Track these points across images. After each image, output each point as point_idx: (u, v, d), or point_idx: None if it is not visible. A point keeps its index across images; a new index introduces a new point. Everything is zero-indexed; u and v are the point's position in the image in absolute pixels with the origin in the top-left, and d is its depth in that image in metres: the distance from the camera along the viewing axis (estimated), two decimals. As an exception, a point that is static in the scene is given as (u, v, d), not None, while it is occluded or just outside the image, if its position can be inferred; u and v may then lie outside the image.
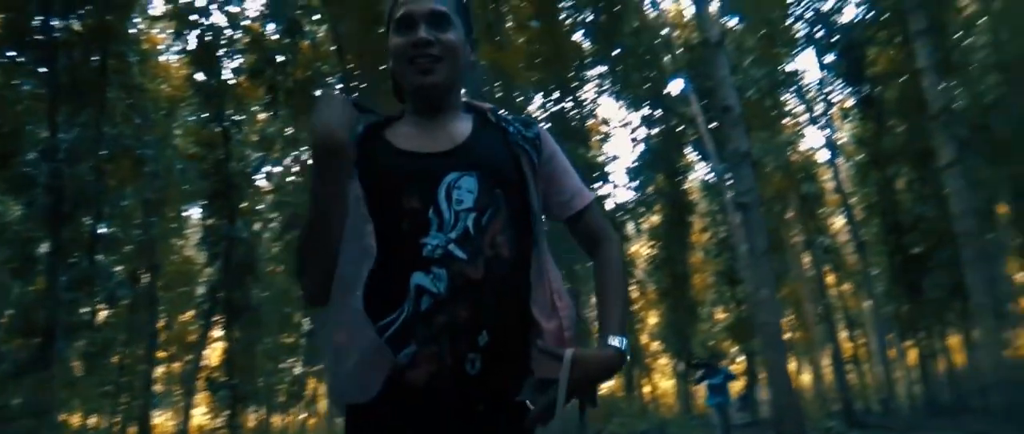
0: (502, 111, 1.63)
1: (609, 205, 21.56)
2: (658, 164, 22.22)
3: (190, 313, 24.32)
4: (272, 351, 23.94)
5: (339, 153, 1.35)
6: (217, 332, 18.59)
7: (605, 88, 21.00)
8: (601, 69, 20.16)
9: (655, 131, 22.99)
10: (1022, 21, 14.85)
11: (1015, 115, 17.70)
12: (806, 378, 35.49)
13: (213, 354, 21.43)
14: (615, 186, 21.51)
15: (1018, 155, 17.55)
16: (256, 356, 20.31)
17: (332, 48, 15.89)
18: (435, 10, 1.50)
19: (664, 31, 20.12)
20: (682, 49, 18.91)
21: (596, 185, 20.92)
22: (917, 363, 23.85)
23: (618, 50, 18.67)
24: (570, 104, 18.87)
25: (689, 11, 20.89)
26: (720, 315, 27.36)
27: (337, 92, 1.41)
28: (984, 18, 19.25)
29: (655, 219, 24.33)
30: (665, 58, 20.70)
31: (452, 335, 1.33)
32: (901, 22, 18.00)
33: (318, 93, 1.41)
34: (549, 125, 18.32)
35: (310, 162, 1.42)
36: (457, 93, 1.58)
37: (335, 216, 1.39)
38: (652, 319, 29.45)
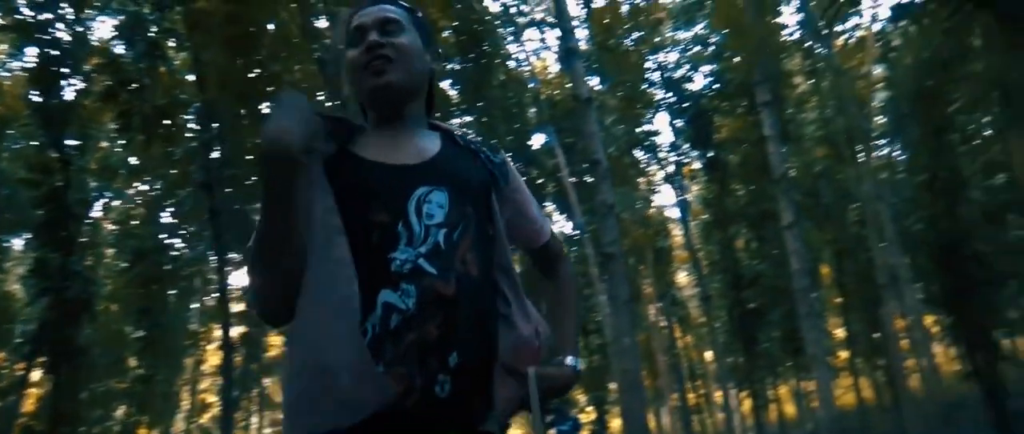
0: (470, 134, 1.64)
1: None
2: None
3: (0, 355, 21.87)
4: (101, 397, 21.92)
5: (287, 160, 1.24)
6: (38, 375, 16.83)
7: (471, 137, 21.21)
8: (467, 119, 20.41)
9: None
10: (845, 100, 16.60)
11: (837, 185, 19.66)
12: (653, 423, 36.84)
13: (30, 399, 19.33)
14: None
15: (839, 221, 19.42)
16: (82, 403, 18.51)
17: (190, 77, 15.21)
18: (385, 16, 1.50)
19: (530, 85, 20.81)
20: (547, 104, 19.53)
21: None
22: (751, 412, 25.36)
23: (483, 102, 19.03)
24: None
25: (554, 68, 21.77)
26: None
27: (296, 95, 1.33)
28: (814, 96, 21.35)
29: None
30: (530, 112, 21.36)
31: (421, 354, 1.28)
32: (745, 94, 19.66)
33: (279, 94, 1.32)
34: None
35: (259, 170, 1.38)
36: (419, 103, 1.56)
37: (285, 230, 1.30)
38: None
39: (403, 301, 1.29)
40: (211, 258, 16.25)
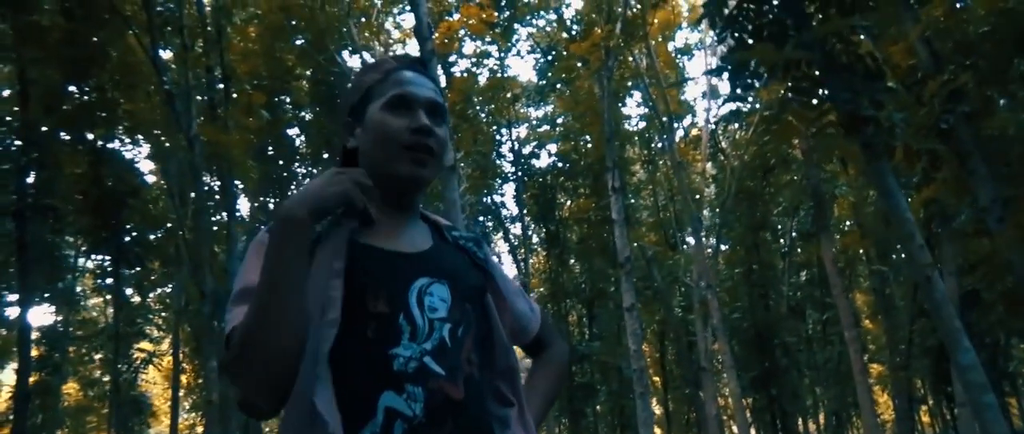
0: (456, 230, 1.52)
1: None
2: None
3: None
4: None
5: (295, 223, 1.15)
6: None
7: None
8: (314, 170, 19.85)
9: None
10: (677, 191, 17.85)
11: (666, 270, 20.87)
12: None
13: None
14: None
15: (666, 304, 20.54)
16: None
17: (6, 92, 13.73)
18: (436, 101, 1.37)
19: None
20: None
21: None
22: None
23: (330, 154, 18.63)
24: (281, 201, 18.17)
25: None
26: None
27: (352, 175, 1.22)
28: (649, 185, 22.73)
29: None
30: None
31: None
32: (588, 175, 20.60)
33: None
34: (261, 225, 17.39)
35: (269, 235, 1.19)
36: (423, 195, 1.46)
37: (286, 302, 1.13)
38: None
39: (409, 406, 1.14)
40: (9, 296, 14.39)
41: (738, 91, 4.78)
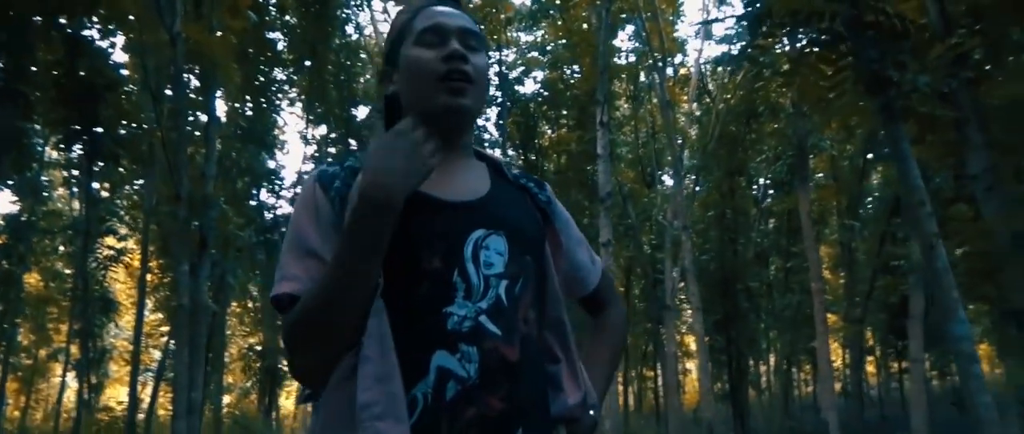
0: (516, 167, 1.44)
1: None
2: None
3: None
4: None
5: (389, 211, 1.07)
6: None
7: (295, 96, 20.18)
8: (296, 76, 19.36)
9: (333, 151, 22.79)
10: (661, 129, 17.80)
11: (640, 207, 20.98)
12: None
13: None
14: (278, 195, 20.44)
15: (637, 242, 20.73)
16: None
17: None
18: (469, 28, 1.29)
19: (363, 56, 20.12)
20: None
21: (265, 195, 19.89)
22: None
23: (314, 61, 18.14)
24: (260, 106, 17.71)
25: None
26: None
27: (415, 129, 1.14)
28: (631, 121, 22.61)
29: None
30: (361, 80, 20.67)
31: None
32: (574, 107, 20.38)
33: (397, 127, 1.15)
34: (235, 128, 16.99)
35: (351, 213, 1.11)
36: (472, 131, 1.39)
37: (363, 292, 1.09)
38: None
39: (463, 367, 1.10)
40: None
41: (755, 40, 4.65)
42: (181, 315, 9.73)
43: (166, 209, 11.52)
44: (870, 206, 21.30)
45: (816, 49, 4.47)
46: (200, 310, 10.06)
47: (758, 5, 4.40)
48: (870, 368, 30.82)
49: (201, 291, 10.09)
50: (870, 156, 16.86)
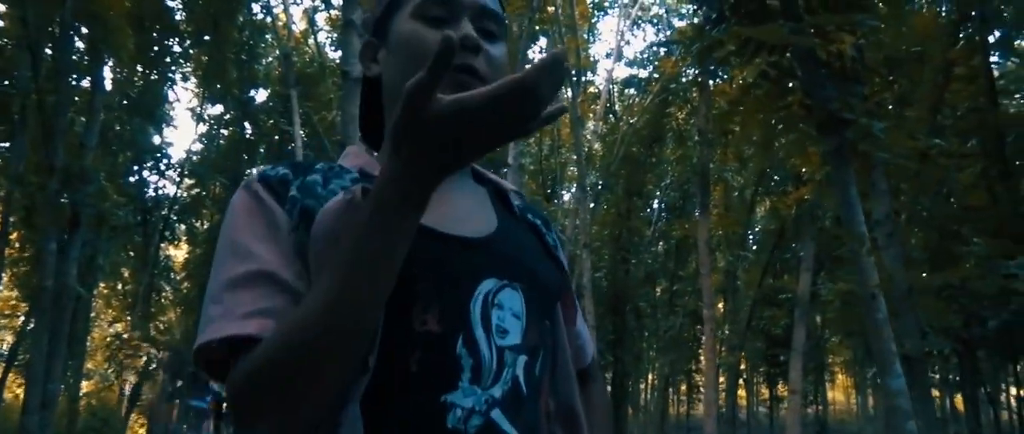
0: (519, 196, 1.12)
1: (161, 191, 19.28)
2: (223, 166, 20.77)
3: None
4: None
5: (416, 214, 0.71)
6: None
7: (190, 71, 18.99)
8: (193, 50, 18.21)
9: (226, 132, 21.73)
10: (572, 142, 17.85)
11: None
12: None
13: None
14: (163, 173, 19.16)
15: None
16: None
17: None
18: (490, 6, 0.93)
19: (268, 37, 19.18)
20: (289, 63, 18.14)
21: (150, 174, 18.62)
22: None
23: (214, 36, 17.09)
24: (152, 78, 16.50)
25: (296, 27, 20.36)
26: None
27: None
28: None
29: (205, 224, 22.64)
30: (264, 63, 19.75)
31: None
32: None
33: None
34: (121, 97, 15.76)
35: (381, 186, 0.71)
36: None
37: (369, 320, 0.72)
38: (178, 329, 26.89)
39: None
40: None
41: (710, 67, 4.55)
42: (43, 298, 8.79)
43: (35, 179, 10.42)
44: (751, 237, 22.22)
45: (763, 81, 4.41)
46: (65, 293, 9.13)
47: (713, 29, 4.30)
48: (740, 392, 32.13)
49: (68, 273, 9.16)
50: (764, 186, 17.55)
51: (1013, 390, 28.78)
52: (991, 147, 11.20)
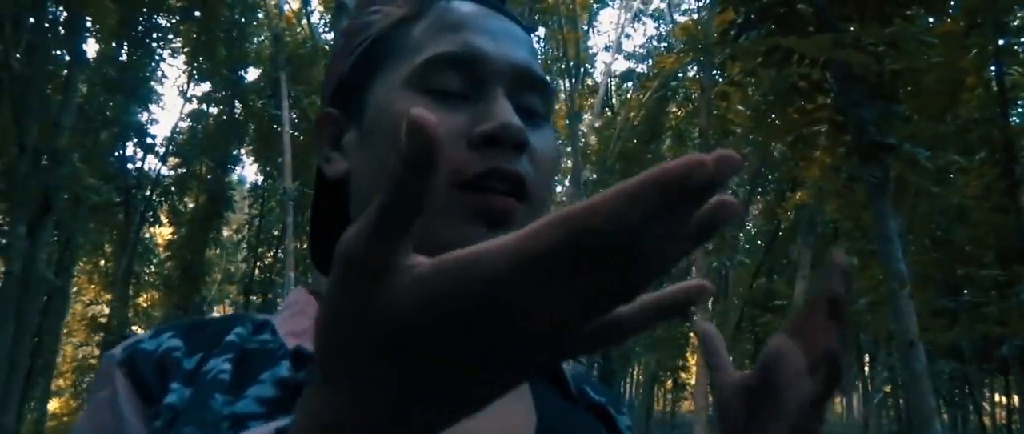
0: (578, 371, 0.71)
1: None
2: (209, 146, 20.31)
3: None
4: None
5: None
6: None
7: (178, 47, 18.46)
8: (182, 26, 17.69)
9: (214, 110, 21.26)
10: (569, 134, 17.51)
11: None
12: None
13: None
14: (148, 150, 18.62)
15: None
16: None
17: None
18: (531, 68, 0.57)
19: (260, 15, 18.69)
20: (281, 43, 17.67)
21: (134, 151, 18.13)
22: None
23: (203, 12, 16.57)
24: (136, 54, 15.95)
25: (288, 7, 19.89)
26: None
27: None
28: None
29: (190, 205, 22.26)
30: (255, 42, 19.28)
31: None
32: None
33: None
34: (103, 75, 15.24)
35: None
36: None
37: None
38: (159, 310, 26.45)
39: None
40: None
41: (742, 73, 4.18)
42: (8, 284, 8.33)
43: (2, 159, 9.94)
44: (743, 237, 22.01)
45: (797, 95, 4.02)
46: (36, 281, 8.69)
47: (740, 34, 3.90)
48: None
49: (37, 259, 8.71)
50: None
51: (998, 397, 29.02)
52: (1001, 159, 10.92)
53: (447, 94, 0.52)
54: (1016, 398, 27.80)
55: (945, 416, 18.02)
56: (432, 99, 0.52)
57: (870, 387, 20.06)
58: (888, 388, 14.25)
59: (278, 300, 22.14)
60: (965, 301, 7.27)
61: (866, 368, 27.29)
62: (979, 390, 23.46)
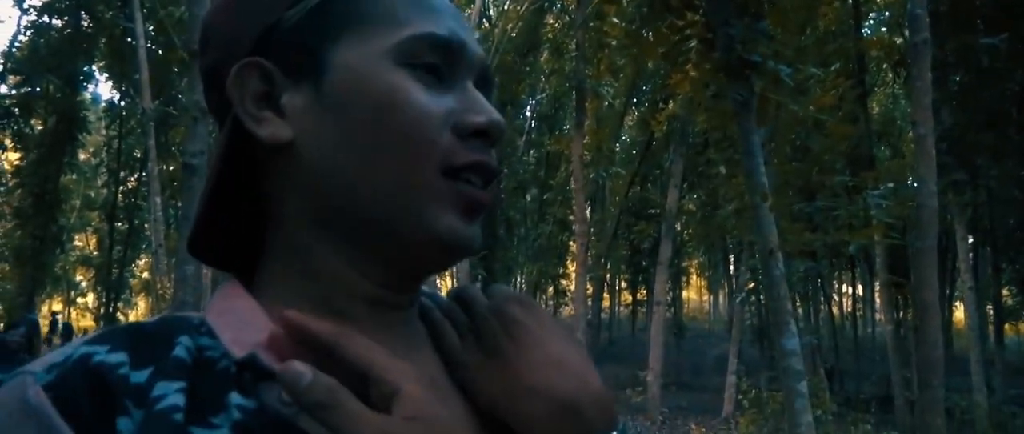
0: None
1: None
2: (54, 64, 18.61)
3: None
4: None
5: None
6: None
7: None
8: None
9: (58, 22, 19.40)
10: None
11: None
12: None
13: None
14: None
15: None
16: None
17: None
18: (488, 68, 0.58)
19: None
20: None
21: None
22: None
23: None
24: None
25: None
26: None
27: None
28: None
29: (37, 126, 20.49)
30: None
31: None
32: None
33: None
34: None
35: None
36: None
37: None
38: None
39: None
40: None
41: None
42: None
43: None
44: (619, 148, 22.67)
45: (665, 9, 4.08)
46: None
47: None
48: (604, 297, 33.64)
49: None
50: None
51: (846, 288, 31.98)
52: (854, 70, 11.66)
53: (430, 74, 0.52)
54: (861, 288, 30.84)
55: (800, 310, 19.64)
56: (416, 78, 0.51)
57: (735, 286, 21.51)
58: (751, 285, 15.31)
59: (146, 226, 21.03)
60: (820, 206, 7.86)
61: (731, 268, 29.30)
62: (829, 283, 25.76)
